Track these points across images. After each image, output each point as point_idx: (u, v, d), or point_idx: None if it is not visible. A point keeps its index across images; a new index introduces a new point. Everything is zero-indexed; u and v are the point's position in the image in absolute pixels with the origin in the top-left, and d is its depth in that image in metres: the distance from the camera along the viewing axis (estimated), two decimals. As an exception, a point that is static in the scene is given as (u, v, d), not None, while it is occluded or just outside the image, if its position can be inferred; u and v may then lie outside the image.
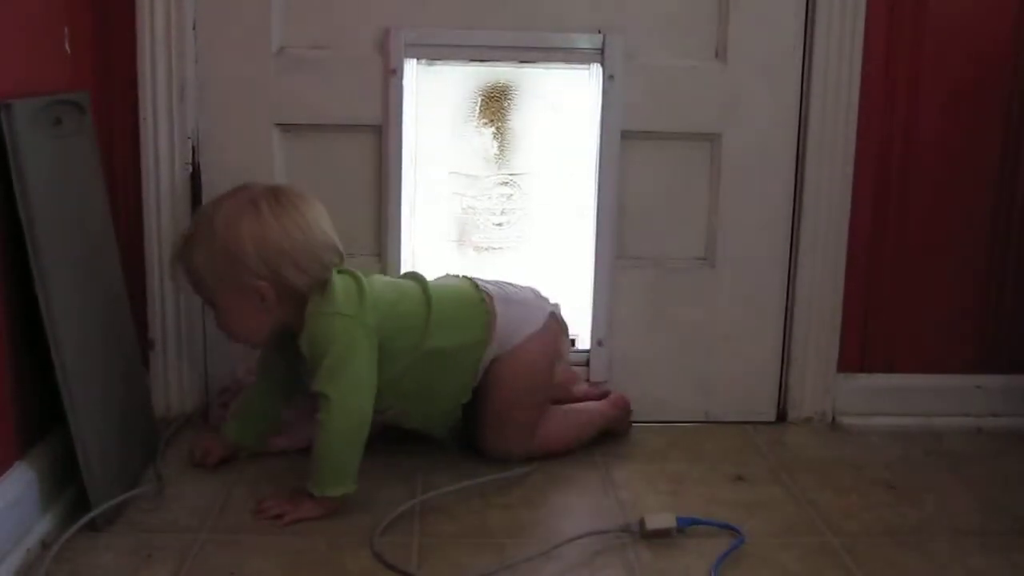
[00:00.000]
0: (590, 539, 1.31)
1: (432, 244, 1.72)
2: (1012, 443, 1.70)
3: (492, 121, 1.70)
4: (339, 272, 1.42)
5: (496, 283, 1.54)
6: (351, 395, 1.35)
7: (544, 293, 1.58)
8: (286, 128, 1.65)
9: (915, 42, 1.67)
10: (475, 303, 1.48)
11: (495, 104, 1.69)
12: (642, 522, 1.32)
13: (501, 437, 1.51)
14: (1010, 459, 1.63)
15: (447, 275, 1.57)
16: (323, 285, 1.39)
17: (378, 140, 1.65)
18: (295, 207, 1.39)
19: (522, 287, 1.56)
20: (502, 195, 1.72)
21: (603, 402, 1.64)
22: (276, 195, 1.40)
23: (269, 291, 1.37)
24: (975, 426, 1.75)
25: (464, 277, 1.54)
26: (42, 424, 1.32)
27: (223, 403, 1.63)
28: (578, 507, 1.43)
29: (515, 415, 1.50)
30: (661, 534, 1.32)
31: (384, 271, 1.65)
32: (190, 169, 1.63)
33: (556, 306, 1.57)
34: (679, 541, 1.32)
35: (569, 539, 1.30)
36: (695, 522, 1.35)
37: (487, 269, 1.66)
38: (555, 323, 1.55)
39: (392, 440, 1.54)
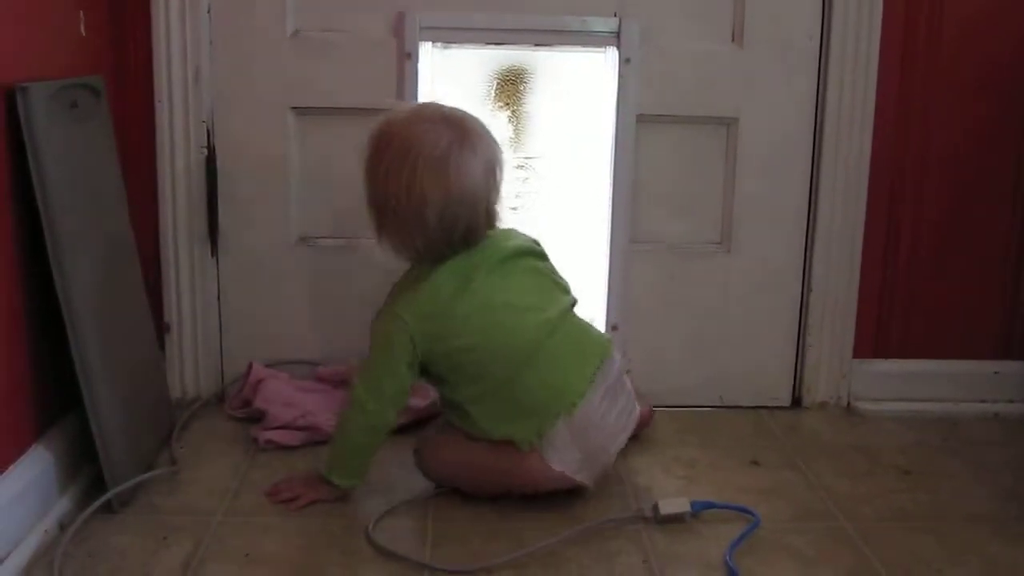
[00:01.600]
0: (605, 524, 1.31)
1: (447, 228, 1.72)
2: (1029, 429, 1.69)
3: (507, 104, 1.69)
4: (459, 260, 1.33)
5: (609, 403, 1.36)
6: (376, 399, 1.32)
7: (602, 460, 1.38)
8: (301, 111, 1.65)
9: (933, 26, 1.66)
10: (557, 409, 1.31)
11: (510, 87, 1.69)
12: (656, 507, 1.32)
13: (425, 455, 1.41)
14: (1027, 445, 1.63)
15: (587, 327, 1.41)
16: (421, 269, 1.34)
17: (393, 124, 1.64)
18: (443, 188, 1.28)
19: (618, 435, 1.38)
20: (517, 178, 1.71)
21: None
22: (442, 157, 1.29)
23: (385, 246, 1.35)
24: (991, 412, 1.74)
25: (587, 355, 1.35)
26: (59, 407, 1.33)
27: (238, 393, 1.64)
28: (593, 493, 1.43)
29: (453, 461, 1.38)
30: (675, 519, 1.32)
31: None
32: (205, 152, 1.63)
33: (588, 482, 1.37)
34: (693, 526, 1.32)
35: (584, 525, 1.30)
36: (709, 506, 1.35)
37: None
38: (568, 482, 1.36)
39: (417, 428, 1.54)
